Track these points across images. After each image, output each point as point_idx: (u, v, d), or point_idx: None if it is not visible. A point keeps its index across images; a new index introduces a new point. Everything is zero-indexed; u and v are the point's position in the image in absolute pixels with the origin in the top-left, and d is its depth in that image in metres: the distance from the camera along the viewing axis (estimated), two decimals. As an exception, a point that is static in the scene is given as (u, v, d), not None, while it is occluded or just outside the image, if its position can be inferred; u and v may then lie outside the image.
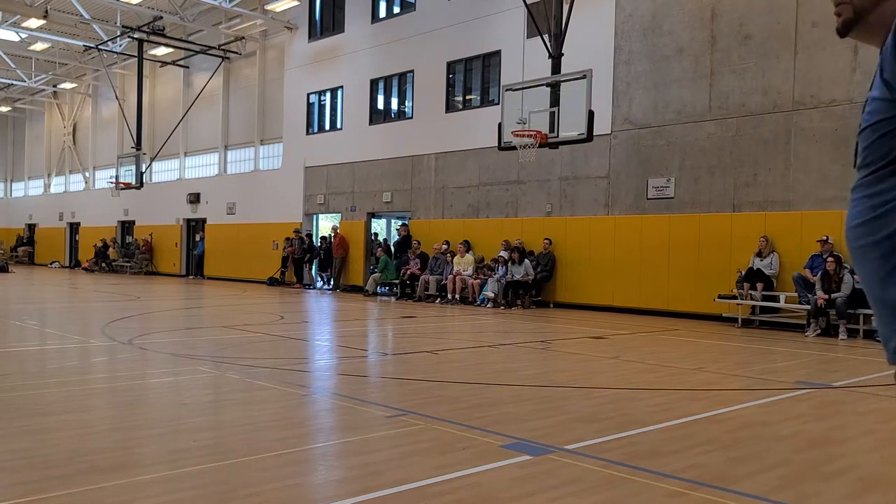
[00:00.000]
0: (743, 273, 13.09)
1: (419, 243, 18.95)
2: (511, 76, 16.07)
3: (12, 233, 40.58)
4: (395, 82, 21.06)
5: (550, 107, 13.44)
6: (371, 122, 21.42)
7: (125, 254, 31.02)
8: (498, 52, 18.06)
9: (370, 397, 6.25)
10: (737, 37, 13.90)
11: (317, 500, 3.71)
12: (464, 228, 18.54)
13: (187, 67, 29.14)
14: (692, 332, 12.13)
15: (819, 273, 11.78)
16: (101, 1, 24.19)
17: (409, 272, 18.45)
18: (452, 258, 17.91)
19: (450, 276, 17.38)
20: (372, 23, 21.41)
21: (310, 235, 23.23)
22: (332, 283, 21.94)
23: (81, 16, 25.36)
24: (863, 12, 1.51)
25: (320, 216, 23.75)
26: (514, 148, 13.84)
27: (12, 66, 33.17)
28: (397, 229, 20.89)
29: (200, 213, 28.17)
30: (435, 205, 19.55)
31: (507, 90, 14.35)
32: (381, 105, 21.58)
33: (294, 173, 23.65)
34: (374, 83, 21.37)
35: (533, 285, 16.31)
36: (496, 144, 14.56)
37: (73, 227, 36.80)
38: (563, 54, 13.76)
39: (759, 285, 12.83)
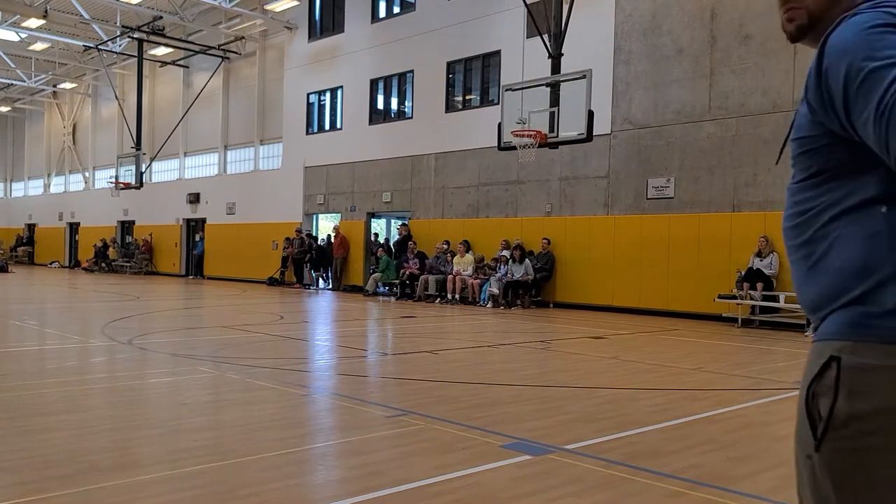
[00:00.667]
0: (743, 273, 13.09)
1: (415, 243, 18.95)
2: (511, 76, 16.07)
3: (12, 233, 40.57)
4: (394, 82, 21.06)
5: (550, 107, 13.44)
6: (371, 122, 21.42)
7: (125, 254, 31.01)
8: (498, 52, 18.06)
9: (370, 397, 6.25)
10: (737, 37, 13.90)
11: (317, 500, 3.71)
12: (464, 228, 18.54)
13: (187, 67, 29.14)
14: (692, 332, 12.13)
15: (819, 273, 11.76)
16: (101, 1, 24.19)
17: (408, 272, 18.45)
18: (452, 258, 17.92)
19: (450, 276, 17.38)
20: (372, 23, 21.41)
21: (310, 235, 23.25)
22: (321, 282, 22.04)
23: (81, 16, 25.36)
24: (817, 17, 1.57)
25: (320, 216, 23.76)
26: (513, 148, 13.84)
27: (12, 66, 33.15)
28: (398, 229, 20.89)
29: (200, 213, 28.16)
30: (435, 205, 19.56)
31: (506, 90, 14.34)
32: (380, 105, 21.58)
33: (294, 173, 23.65)
34: (373, 83, 21.37)
35: (532, 285, 16.31)
36: (496, 144, 14.55)
37: (73, 227, 36.79)
38: (562, 54, 13.75)
39: (759, 285, 12.83)
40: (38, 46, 31.71)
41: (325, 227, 23.50)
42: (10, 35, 29.36)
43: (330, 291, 21.18)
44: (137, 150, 26.66)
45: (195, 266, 27.66)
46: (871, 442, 1.43)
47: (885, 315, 1.42)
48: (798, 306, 12.38)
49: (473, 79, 19.15)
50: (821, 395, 1.48)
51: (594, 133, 13.18)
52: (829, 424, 1.46)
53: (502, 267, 16.62)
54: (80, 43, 28.95)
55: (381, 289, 19.90)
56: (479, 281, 17.02)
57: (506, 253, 16.75)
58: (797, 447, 1.57)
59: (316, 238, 22.83)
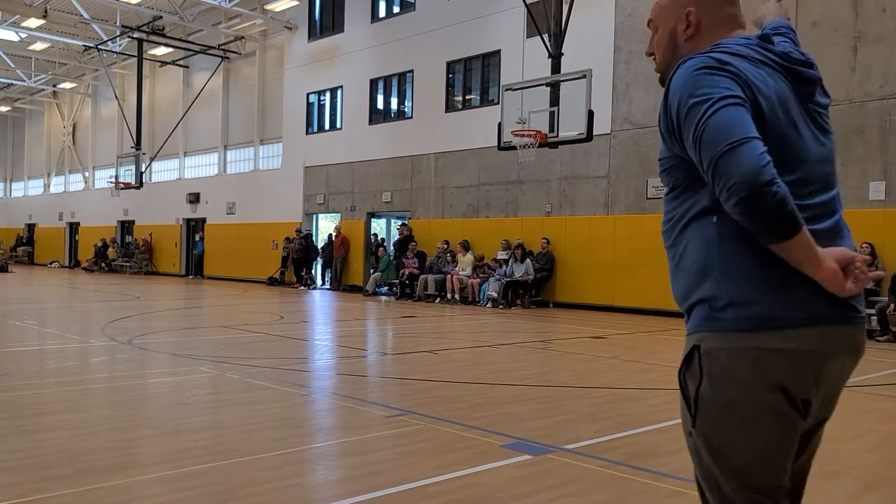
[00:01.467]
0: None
1: (416, 243, 18.95)
2: (511, 76, 16.06)
3: (12, 233, 40.55)
4: (394, 82, 21.06)
5: (550, 107, 13.42)
6: (371, 121, 21.41)
7: (125, 254, 31.00)
8: (498, 52, 18.06)
9: (370, 397, 6.25)
10: (736, 37, 13.87)
11: (317, 500, 3.71)
12: (463, 228, 18.53)
13: (187, 67, 29.13)
14: (692, 331, 12.10)
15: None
16: (101, 1, 24.18)
17: (407, 272, 18.45)
18: (453, 258, 17.92)
19: (449, 276, 17.38)
20: (371, 22, 21.40)
21: (310, 235, 23.24)
22: (310, 281, 22.11)
23: (81, 16, 25.34)
24: (668, 66, 1.96)
25: (320, 216, 23.76)
26: (513, 148, 13.83)
27: (12, 65, 33.14)
28: (398, 229, 20.90)
29: (200, 213, 28.16)
30: (435, 205, 19.55)
31: (506, 90, 14.33)
32: (380, 105, 21.57)
33: (294, 173, 23.65)
34: (373, 83, 21.37)
35: (532, 285, 16.31)
36: (496, 144, 14.53)
37: (73, 227, 36.78)
38: (562, 54, 13.74)
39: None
40: (38, 46, 31.70)
41: (326, 226, 23.49)
42: (10, 35, 29.34)
43: (320, 291, 21.17)
44: (137, 149, 26.64)
45: (195, 266, 27.65)
46: (729, 415, 1.73)
47: (724, 308, 1.72)
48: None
49: (473, 79, 19.14)
50: (689, 379, 1.79)
51: (594, 133, 13.15)
52: (697, 403, 1.78)
53: (501, 268, 16.62)
54: (80, 43, 28.93)
55: (381, 288, 19.90)
56: (478, 281, 17.03)
57: (504, 255, 16.76)
58: (683, 428, 1.86)
59: (307, 237, 22.82)
